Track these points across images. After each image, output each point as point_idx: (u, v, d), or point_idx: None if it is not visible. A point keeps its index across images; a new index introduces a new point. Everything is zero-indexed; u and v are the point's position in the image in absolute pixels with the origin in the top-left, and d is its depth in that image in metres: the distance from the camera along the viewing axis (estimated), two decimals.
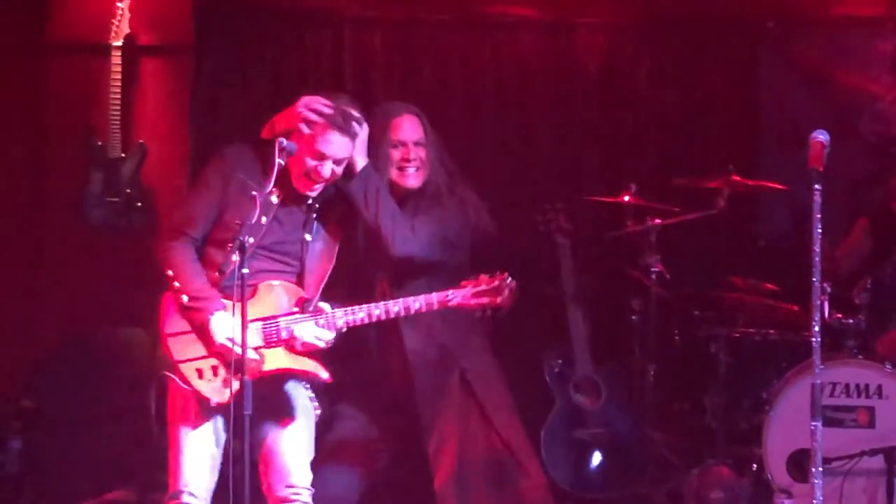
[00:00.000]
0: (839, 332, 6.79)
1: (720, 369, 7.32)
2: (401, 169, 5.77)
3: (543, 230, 7.34)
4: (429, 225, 5.77)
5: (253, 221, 4.94)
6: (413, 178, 5.80)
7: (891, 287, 6.75)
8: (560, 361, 7.26)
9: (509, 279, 5.32)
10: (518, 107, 8.78)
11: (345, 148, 5.35)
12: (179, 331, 5.22)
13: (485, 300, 5.30)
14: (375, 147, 5.70)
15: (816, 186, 4.56)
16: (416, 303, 5.32)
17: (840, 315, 6.74)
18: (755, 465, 6.94)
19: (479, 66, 8.74)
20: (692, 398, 7.69)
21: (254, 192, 5.01)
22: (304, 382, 5.40)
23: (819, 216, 4.58)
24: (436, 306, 5.33)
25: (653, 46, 8.63)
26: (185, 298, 5.19)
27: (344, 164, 5.41)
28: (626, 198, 7.55)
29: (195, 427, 5.19)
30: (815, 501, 4.54)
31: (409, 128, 5.80)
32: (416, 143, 5.77)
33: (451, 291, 5.32)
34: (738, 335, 7.35)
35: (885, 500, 6.38)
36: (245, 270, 4.84)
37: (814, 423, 4.51)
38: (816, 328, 4.57)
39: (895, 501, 6.36)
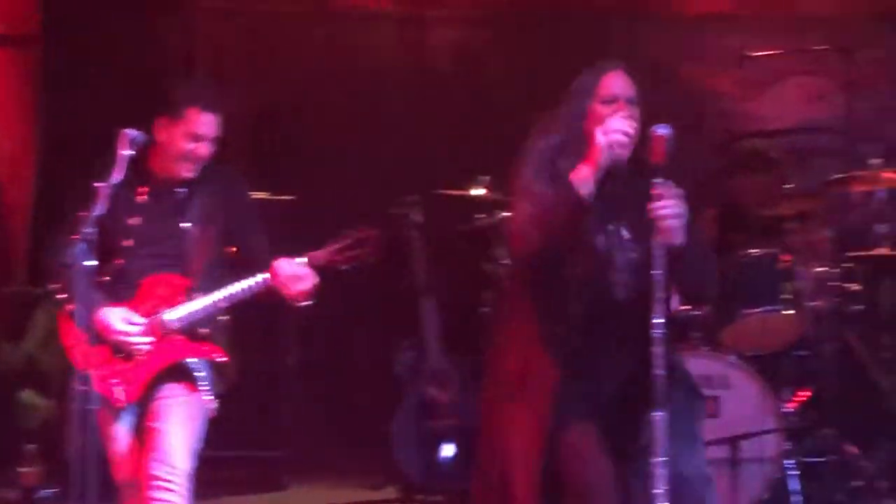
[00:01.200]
0: (685, 324, 6.89)
1: None
2: None
3: (397, 223, 7.34)
4: None
5: (96, 213, 4.88)
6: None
7: (736, 279, 6.84)
8: (412, 354, 7.27)
9: (372, 232, 5.29)
10: (371, 99, 8.79)
11: (216, 125, 5.36)
12: (77, 341, 5.20)
13: (349, 254, 5.29)
14: (580, 106, 5.08)
15: (659, 181, 4.59)
16: (291, 265, 5.27)
17: (686, 307, 6.83)
18: None
19: (332, 58, 8.75)
20: None
21: (96, 184, 4.95)
22: (204, 380, 5.37)
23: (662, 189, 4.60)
24: (308, 266, 5.29)
25: (506, 40, 8.71)
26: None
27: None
28: (479, 191, 7.58)
29: (105, 429, 5.20)
30: (656, 491, 4.56)
31: (621, 83, 5.14)
32: (629, 101, 5.09)
33: (316, 252, 5.29)
34: None
35: (729, 489, 6.48)
36: (88, 263, 4.78)
37: (657, 414, 4.54)
38: (661, 320, 4.59)
39: (739, 489, 6.47)
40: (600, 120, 4.92)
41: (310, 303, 5.29)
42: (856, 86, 7.13)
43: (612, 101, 4.99)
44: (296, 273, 5.24)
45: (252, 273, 5.29)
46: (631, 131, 4.75)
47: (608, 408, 4.79)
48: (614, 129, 4.74)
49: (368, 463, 7.75)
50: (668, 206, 4.62)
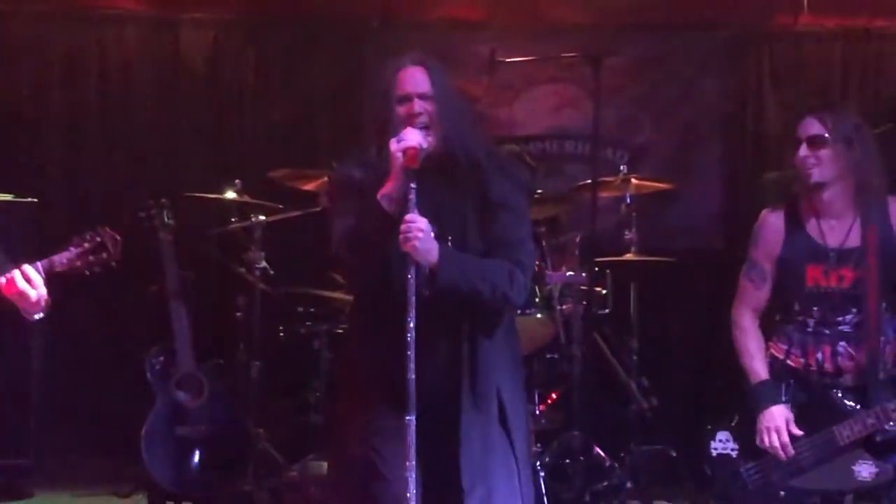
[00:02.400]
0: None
1: (323, 365, 7.37)
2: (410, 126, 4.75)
3: (146, 226, 7.24)
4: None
5: None
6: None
7: None
8: (162, 358, 7.18)
9: (113, 235, 5.13)
10: (123, 102, 8.67)
11: None
12: None
13: (92, 258, 5.12)
14: (379, 109, 4.80)
15: (412, 185, 4.57)
16: (24, 277, 5.05)
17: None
18: None
19: (83, 60, 8.63)
20: (296, 394, 7.71)
21: None
22: None
23: (415, 214, 4.58)
24: (43, 275, 5.08)
25: (259, 43, 8.69)
26: None
27: None
28: (231, 194, 7.52)
29: None
30: (409, 494, 4.55)
31: (412, 79, 4.80)
32: (422, 97, 4.78)
33: (55, 257, 5.09)
34: (340, 331, 7.40)
35: None
36: None
37: (408, 417, 4.54)
38: (412, 324, 4.57)
39: None
40: (398, 123, 4.71)
41: (42, 315, 4.94)
42: (603, 93, 7.25)
43: (405, 99, 4.76)
44: (27, 286, 4.89)
45: None
46: (417, 143, 4.54)
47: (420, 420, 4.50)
48: (403, 142, 4.54)
49: (117, 470, 7.62)
50: (409, 229, 4.46)
